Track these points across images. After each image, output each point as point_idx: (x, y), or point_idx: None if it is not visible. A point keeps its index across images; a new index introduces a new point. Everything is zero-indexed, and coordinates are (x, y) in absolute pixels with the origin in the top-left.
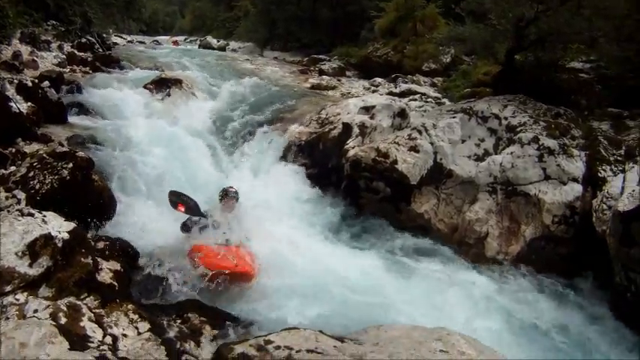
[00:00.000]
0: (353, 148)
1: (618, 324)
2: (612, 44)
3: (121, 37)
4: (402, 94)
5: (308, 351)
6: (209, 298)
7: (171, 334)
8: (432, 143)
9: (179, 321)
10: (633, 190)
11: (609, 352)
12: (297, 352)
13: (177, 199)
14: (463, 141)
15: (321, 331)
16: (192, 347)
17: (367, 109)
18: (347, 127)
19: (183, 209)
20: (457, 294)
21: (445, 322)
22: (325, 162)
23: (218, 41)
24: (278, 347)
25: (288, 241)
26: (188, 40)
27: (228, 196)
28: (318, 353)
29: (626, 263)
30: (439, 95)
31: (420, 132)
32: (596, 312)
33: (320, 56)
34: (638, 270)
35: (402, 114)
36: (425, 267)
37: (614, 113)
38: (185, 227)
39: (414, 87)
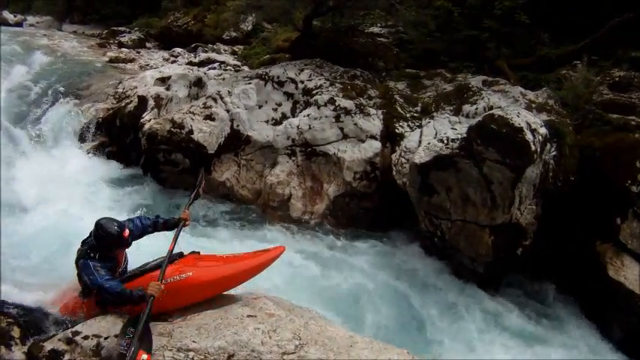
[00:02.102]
0: (149, 121)
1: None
2: (410, 10)
3: None
4: (202, 64)
5: (116, 336)
6: (12, 296)
7: None
8: (227, 110)
9: None
10: (429, 143)
11: (418, 289)
12: (105, 339)
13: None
14: (260, 106)
15: (129, 314)
16: (2, 352)
17: (163, 81)
18: (142, 100)
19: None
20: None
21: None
22: (124, 138)
23: (15, 16)
24: (86, 337)
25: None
26: None
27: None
28: None
29: (428, 211)
30: (239, 63)
31: (215, 100)
32: (407, 256)
33: (120, 28)
34: (441, 216)
35: (199, 83)
36: (230, 234)
37: (411, 74)
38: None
39: (213, 56)
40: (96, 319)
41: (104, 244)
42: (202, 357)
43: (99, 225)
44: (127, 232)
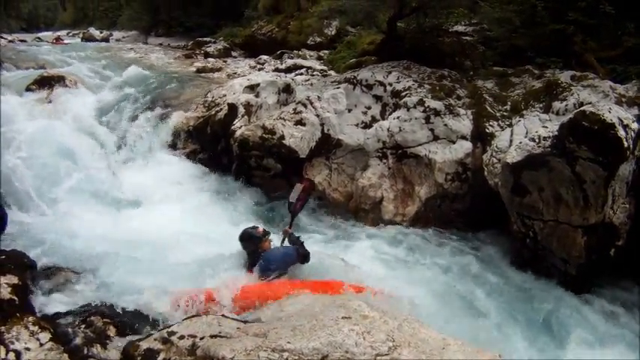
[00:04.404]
0: (240, 128)
1: (520, 272)
2: (494, 7)
3: (1, 37)
4: (288, 70)
5: (212, 336)
6: (110, 297)
7: (76, 340)
8: (317, 115)
9: (83, 326)
10: (520, 142)
11: (513, 298)
12: (200, 339)
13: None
14: (349, 110)
15: (223, 315)
16: (98, 350)
17: (252, 88)
18: (232, 108)
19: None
20: (362, 256)
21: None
22: (215, 145)
23: (101, 32)
24: (182, 337)
25: (189, 229)
26: (71, 34)
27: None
28: (222, 337)
29: (520, 212)
30: (325, 68)
31: (305, 105)
32: (499, 259)
33: (205, 39)
34: (533, 217)
35: (288, 89)
36: (324, 238)
37: (499, 72)
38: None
39: (299, 62)
40: (192, 320)
41: (251, 244)
42: (296, 357)
43: (243, 233)
44: (260, 228)
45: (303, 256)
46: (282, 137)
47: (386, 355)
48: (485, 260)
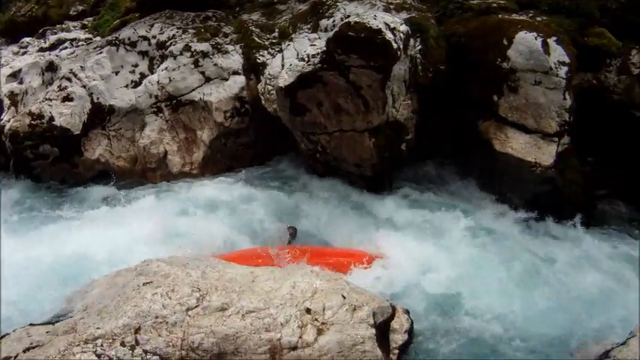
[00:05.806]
0: (8, 121)
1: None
2: None
3: None
4: (53, 47)
5: (25, 350)
6: None
7: None
8: (84, 86)
9: None
10: (290, 65)
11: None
12: (15, 357)
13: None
14: (116, 73)
15: (31, 324)
16: None
17: (15, 75)
18: None
19: None
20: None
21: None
22: None
23: None
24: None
25: None
26: None
27: None
28: (35, 347)
29: (304, 130)
30: (91, 36)
31: (69, 79)
32: (296, 181)
33: None
34: (317, 132)
35: (52, 67)
36: (116, 208)
37: (265, 2)
38: None
39: (63, 35)
40: (2, 340)
41: None
42: (110, 340)
43: None
44: None
45: None
46: (52, 119)
47: (196, 307)
48: (284, 183)
